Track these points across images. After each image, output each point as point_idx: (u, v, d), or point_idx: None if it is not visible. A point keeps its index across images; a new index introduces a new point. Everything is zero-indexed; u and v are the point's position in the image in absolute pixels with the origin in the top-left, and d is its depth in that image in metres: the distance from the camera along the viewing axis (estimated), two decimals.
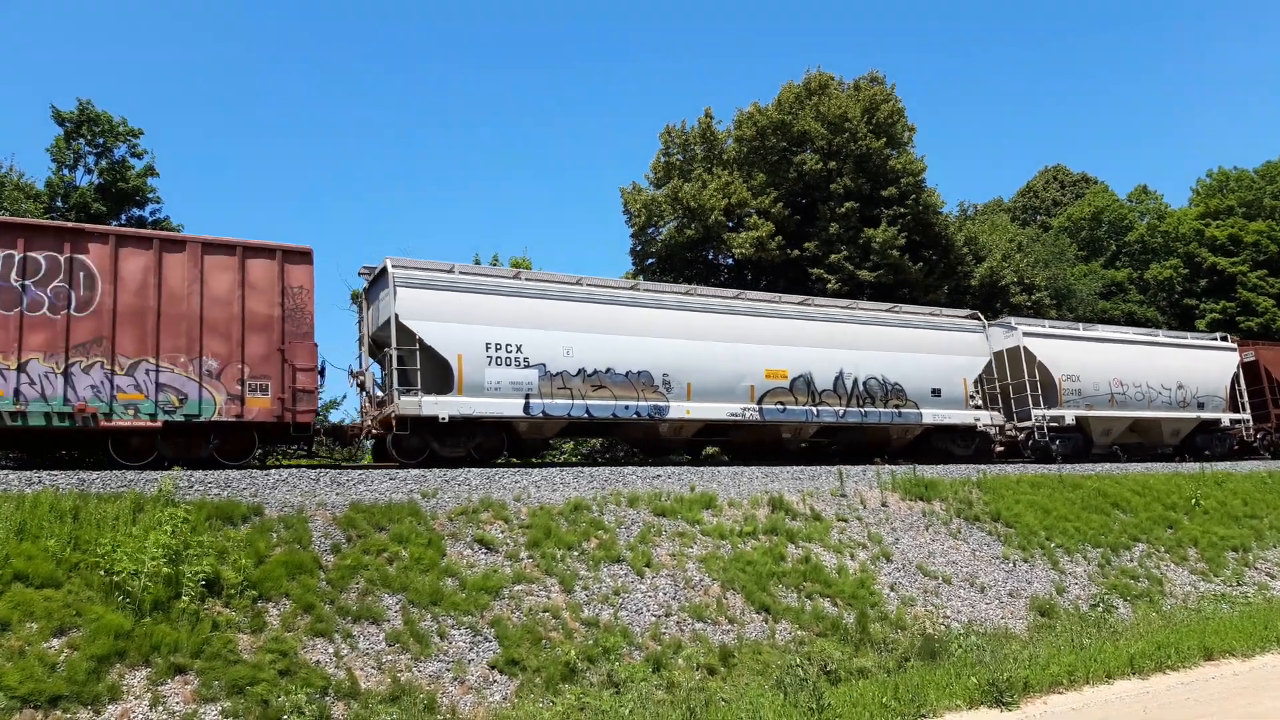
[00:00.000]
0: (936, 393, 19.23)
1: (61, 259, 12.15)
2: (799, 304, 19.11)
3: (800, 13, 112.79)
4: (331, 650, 8.44)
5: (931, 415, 19.05)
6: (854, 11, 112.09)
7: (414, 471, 12.64)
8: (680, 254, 31.72)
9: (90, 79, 75.84)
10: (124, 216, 26.61)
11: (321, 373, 13.77)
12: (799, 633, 10.60)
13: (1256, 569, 15.74)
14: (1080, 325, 23.37)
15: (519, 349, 15.01)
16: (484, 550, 10.59)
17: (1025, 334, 21.27)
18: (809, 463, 17.87)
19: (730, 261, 32.55)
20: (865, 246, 29.70)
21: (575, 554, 10.93)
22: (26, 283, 11.90)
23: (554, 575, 10.42)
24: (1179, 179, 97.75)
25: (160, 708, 7.30)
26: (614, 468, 14.56)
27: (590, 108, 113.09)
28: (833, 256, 29.73)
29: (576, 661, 9.06)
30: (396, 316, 14.37)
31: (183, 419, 12.44)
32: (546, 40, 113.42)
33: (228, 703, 7.51)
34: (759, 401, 17.11)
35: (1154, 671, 10.35)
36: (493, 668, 8.85)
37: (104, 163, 26.40)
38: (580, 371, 15.49)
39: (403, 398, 13.97)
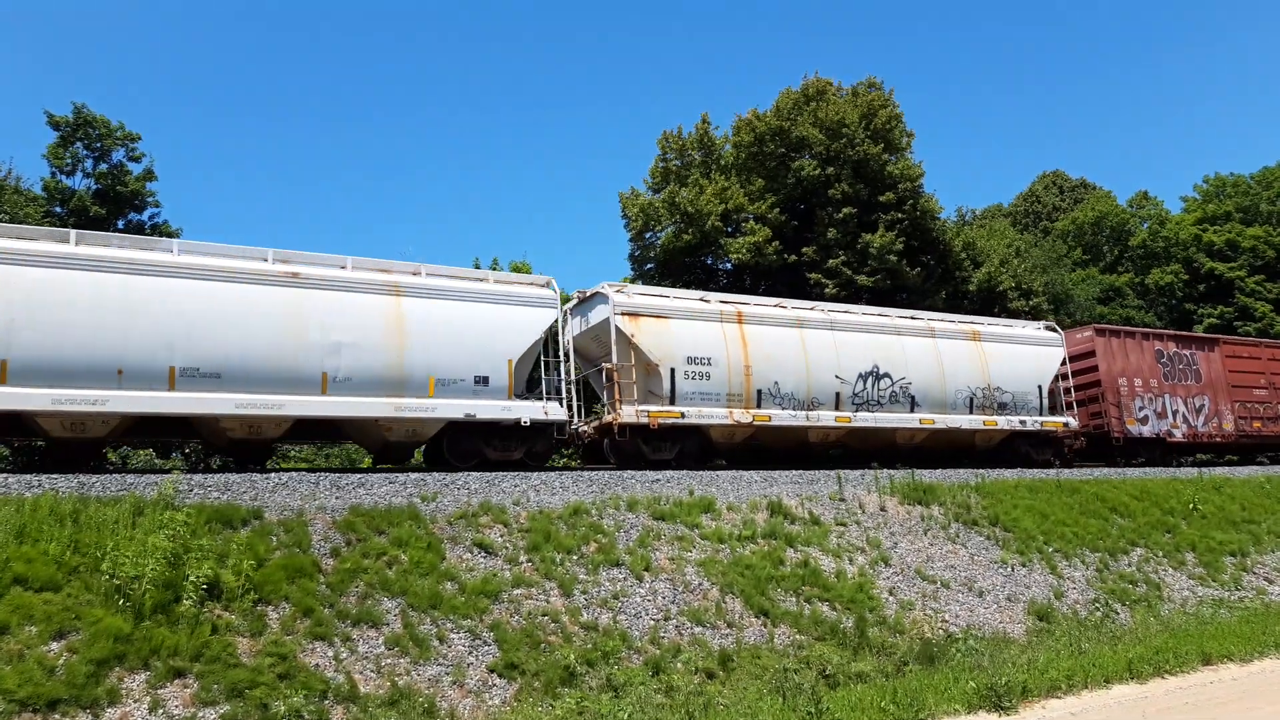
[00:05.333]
0: None
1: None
2: None
3: (798, 19, 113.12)
4: (331, 654, 8.44)
5: None
6: (853, 17, 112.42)
7: (413, 475, 12.66)
8: (678, 259, 31.76)
9: (88, 78, 75.92)
10: (122, 221, 26.62)
11: None
12: (798, 637, 10.61)
13: (1254, 574, 15.76)
14: None
15: None
16: (483, 554, 10.59)
17: None
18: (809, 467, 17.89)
19: (728, 266, 32.60)
20: (863, 251, 29.74)
21: (574, 558, 10.94)
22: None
23: (553, 579, 10.42)
24: (1177, 185, 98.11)
25: (159, 711, 7.29)
26: (613, 472, 14.57)
27: (589, 113, 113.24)
28: (830, 261, 29.76)
29: (575, 665, 9.07)
30: None
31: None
32: (545, 45, 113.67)
33: (227, 706, 7.50)
34: None
35: (1152, 676, 10.35)
36: (492, 671, 8.85)
37: (102, 167, 26.41)
38: None
39: None
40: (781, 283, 30.46)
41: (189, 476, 11.11)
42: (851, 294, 28.64)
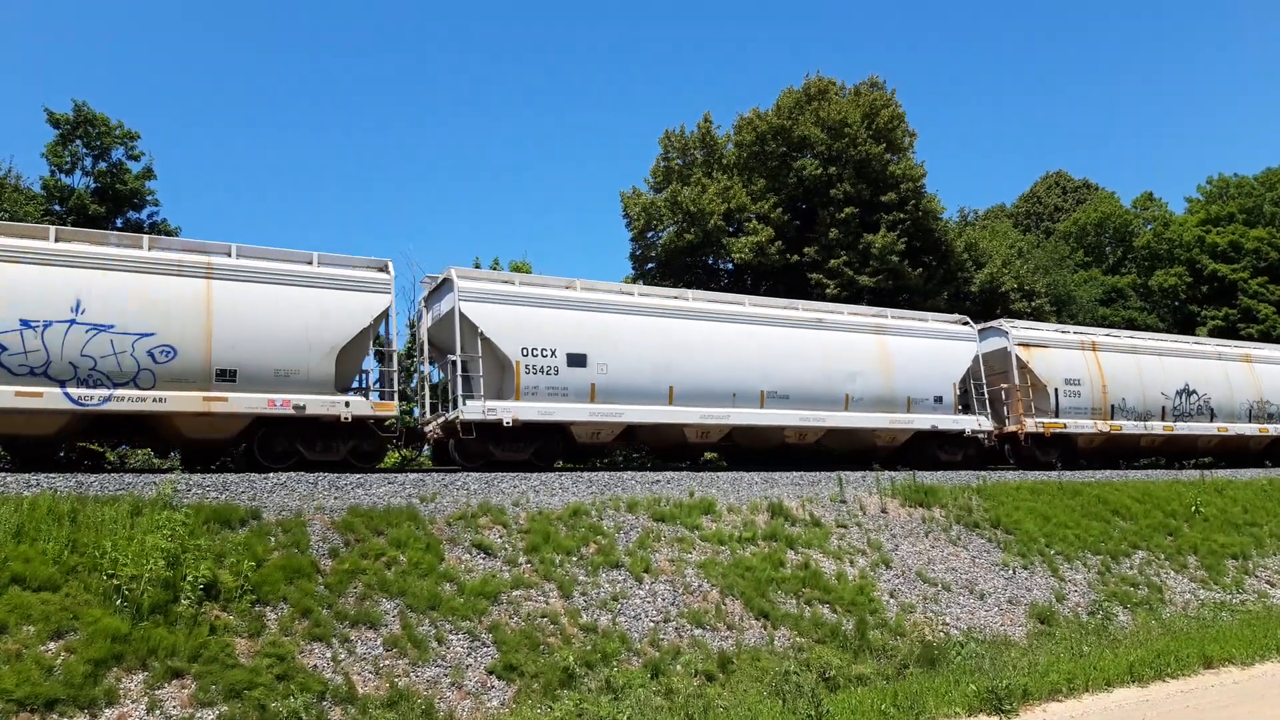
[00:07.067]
0: None
1: None
2: None
3: (800, 17, 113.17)
4: (329, 655, 8.41)
5: None
6: (855, 16, 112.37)
7: (412, 475, 12.65)
8: (680, 258, 31.72)
9: (86, 76, 75.98)
10: (120, 220, 26.59)
11: None
12: (798, 639, 10.57)
13: (1256, 577, 15.71)
14: None
15: None
16: (482, 555, 10.57)
17: None
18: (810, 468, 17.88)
19: (730, 266, 32.55)
20: (865, 252, 29.71)
21: (574, 559, 10.91)
22: None
23: (552, 580, 10.39)
24: (1181, 185, 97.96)
25: (157, 712, 7.27)
26: (613, 473, 14.55)
27: (590, 111, 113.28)
28: (832, 262, 29.73)
29: (575, 667, 9.04)
30: None
31: None
32: (546, 43, 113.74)
33: (225, 707, 7.48)
34: None
35: (1153, 680, 10.32)
36: (490, 673, 8.82)
37: (101, 165, 26.36)
38: None
39: None
40: (783, 283, 30.40)
41: (187, 476, 11.11)
42: (853, 294, 28.60)
